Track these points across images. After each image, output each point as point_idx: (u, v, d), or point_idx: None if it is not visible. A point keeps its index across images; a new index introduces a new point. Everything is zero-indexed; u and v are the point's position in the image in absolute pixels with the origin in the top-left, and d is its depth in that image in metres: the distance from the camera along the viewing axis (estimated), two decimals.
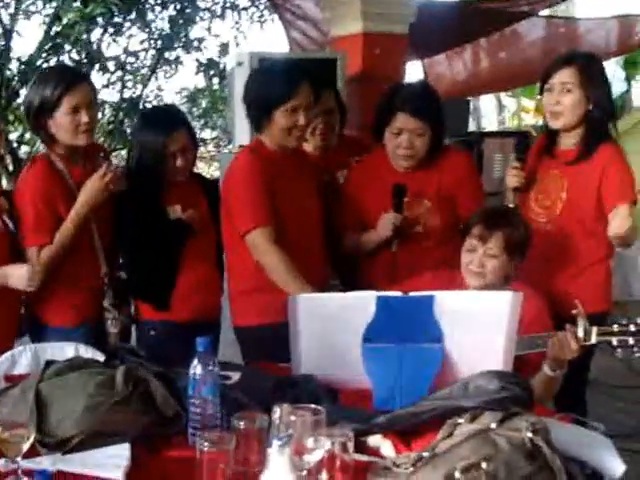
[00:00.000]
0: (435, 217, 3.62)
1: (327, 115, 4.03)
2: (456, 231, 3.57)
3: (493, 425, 1.84)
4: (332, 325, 2.72)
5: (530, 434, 1.78)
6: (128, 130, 11.19)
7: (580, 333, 2.75)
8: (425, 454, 1.77)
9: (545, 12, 10.82)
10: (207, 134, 13.36)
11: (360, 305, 2.70)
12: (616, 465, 2.03)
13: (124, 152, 12.28)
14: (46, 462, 2.14)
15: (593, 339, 2.74)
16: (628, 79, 17.68)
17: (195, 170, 3.89)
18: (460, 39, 9.49)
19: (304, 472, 1.91)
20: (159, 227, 3.51)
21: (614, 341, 2.72)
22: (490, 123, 20.83)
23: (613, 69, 17.26)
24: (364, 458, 2.12)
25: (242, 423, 2.13)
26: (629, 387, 6.04)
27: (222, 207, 3.51)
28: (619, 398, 5.72)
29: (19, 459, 2.05)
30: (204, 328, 2.73)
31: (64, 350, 3.01)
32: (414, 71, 10.16)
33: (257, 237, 3.34)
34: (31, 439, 2.07)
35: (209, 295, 3.62)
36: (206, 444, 1.99)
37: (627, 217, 3.27)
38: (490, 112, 21.47)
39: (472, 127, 17.68)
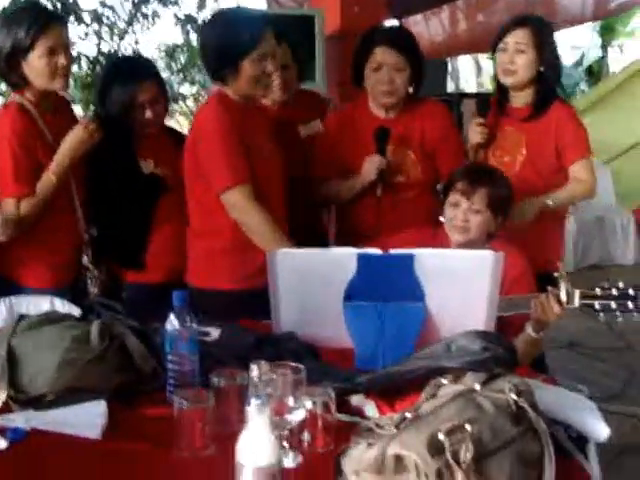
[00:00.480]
0: (417, 169, 3.63)
1: (284, 70, 3.90)
2: (434, 186, 3.68)
3: (477, 386, 1.80)
4: (312, 282, 2.68)
5: (514, 396, 1.75)
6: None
7: (563, 296, 2.72)
8: (408, 415, 1.73)
9: None
10: (186, 89, 13.25)
11: (341, 262, 2.65)
12: (600, 428, 2.00)
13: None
14: (19, 419, 2.10)
15: (576, 302, 2.72)
16: (604, 45, 17.73)
17: (175, 126, 3.82)
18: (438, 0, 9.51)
19: (285, 432, 1.88)
20: (132, 182, 3.44)
21: (596, 305, 2.70)
22: (468, 85, 20.80)
23: (590, 35, 17.32)
24: (347, 418, 2.08)
25: (221, 380, 2.10)
26: (611, 349, 6.08)
27: (190, 164, 3.33)
28: (601, 360, 5.76)
29: None
30: (178, 289, 2.66)
31: (40, 304, 2.92)
32: None
33: (237, 195, 3.21)
34: (3, 396, 2.04)
35: (183, 255, 3.46)
36: (184, 401, 1.96)
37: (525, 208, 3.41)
38: (468, 74, 21.44)
39: (450, 88, 17.67)
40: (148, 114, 3.45)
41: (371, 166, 3.50)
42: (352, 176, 3.59)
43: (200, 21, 11.55)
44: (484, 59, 19.91)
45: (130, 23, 11.84)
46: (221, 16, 3.47)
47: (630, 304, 2.64)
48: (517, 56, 3.61)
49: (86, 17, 11.33)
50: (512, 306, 2.82)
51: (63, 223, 3.38)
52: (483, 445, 1.63)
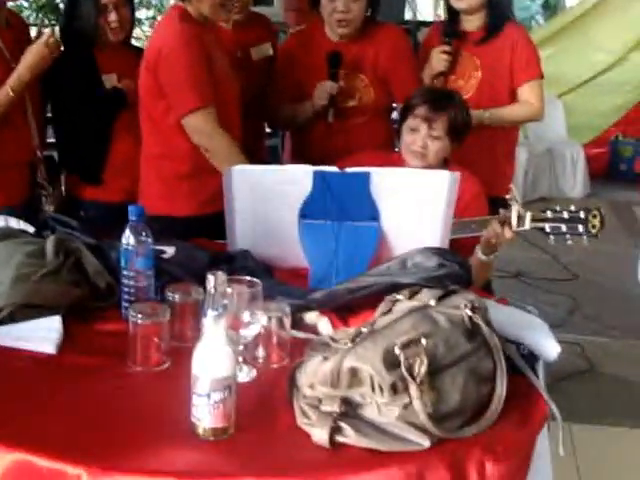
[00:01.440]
0: (370, 92, 3.61)
1: None
2: (389, 109, 3.72)
3: (432, 302, 1.82)
4: (268, 199, 2.67)
5: (469, 312, 1.77)
6: (60, 6, 10.86)
7: (514, 219, 2.74)
8: (364, 329, 1.75)
9: None
10: (142, 14, 12.98)
11: (297, 180, 2.64)
12: (552, 347, 2.04)
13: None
14: None
15: (527, 225, 2.74)
16: None
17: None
18: None
19: (240, 347, 1.89)
20: (93, 94, 3.38)
21: (547, 227, 2.73)
22: (426, 14, 20.67)
23: None
24: (301, 335, 2.10)
25: (177, 296, 2.10)
26: (556, 280, 6.16)
27: (147, 82, 3.22)
28: (545, 290, 5.86)
29: None
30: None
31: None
32: None
33: (200, 119, 3.14)
34: None
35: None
36: (140, 316, 1.95)
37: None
38: (426, 3, 21.28)
39: (409, 16, 17.54)
40: (112, 17, 3.37)
41: (322, 91, 3.48)
42: (306, 100, 3.57)
43: None
44: None
45: None
46: None
47: (580, 227, 2.69)
48: None
49: None
50: (464, 228, 2.84)
51: (15, 138, 3.31)
52: (437, 359, 1.65)
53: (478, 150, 3.48)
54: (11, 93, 3.18)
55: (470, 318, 1.76)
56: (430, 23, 10.18)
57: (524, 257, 6.03)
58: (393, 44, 3.64)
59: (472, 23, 3.69)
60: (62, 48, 3.29)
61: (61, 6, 10.88)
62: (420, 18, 19.56)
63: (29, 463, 1.55)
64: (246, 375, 1.90)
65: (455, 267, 2.20)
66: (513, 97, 3.67)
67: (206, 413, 1.61)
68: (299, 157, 3.67)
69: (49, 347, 2.04)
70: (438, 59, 3.63)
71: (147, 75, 3.20)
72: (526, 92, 3.65)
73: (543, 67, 3.73)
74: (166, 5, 6.15)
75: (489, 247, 2.83)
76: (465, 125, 3.17)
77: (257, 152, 3.82)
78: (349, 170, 2.65)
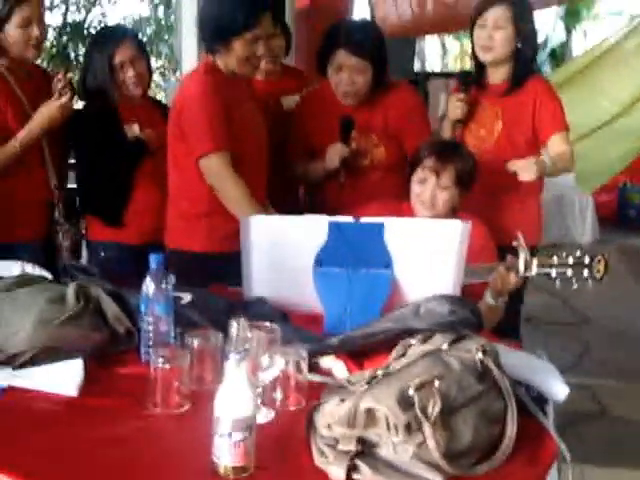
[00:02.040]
0: (382, 151, 3.67)
1: (271, 40, 3.96)
2: (402, 164, 3.62)
3: (444, 346, 1.88)
4: (284, 248, 2.74)
5: (480, 355, 1.83)
6: (71, 54, 11.10)
7: (521, 265, 2.80)
8: (379, 372, 1.81)
9: None
10: (153, 63, 13.27)
11: (312, 229, 2.72)
12: (560, 389, 2.09)
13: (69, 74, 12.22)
14: None
15: (533, 271, 2.80)
16: (568, 29, 17.90)
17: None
18: None
19: (259, 390, 1.95)
20: (116, 144, 3.52)
21: (553, 273, 2.78)
22: (434, 65, 20.92)
23: (554, 20, 17.51)
24: (317, 378, 2.15)
25: (196, 341, 2.16)
26: (565, 323, 6.21)
27: (173, 127, 3.41)
28: (556, 334, 5.90)
29: None
30: (154, 251, 2.72)
31: (10, 269, 2.95)
32: (362, 8, 10.18)
33: (214, 162, 3.28)
34: None
35: (161, 217, 3.58)
36: (160, 360, 2.01)
37: (531, 165, 3.35)
38: (434, 54, 21.56)
39: (417, 68, 17.77)
40: (130, 73, 3.55)
41: (334, 154, 3.55)
42: (318, 159, 3.64)
43: None
44: (450, 40, 20.08)
45: None
46: None
47: (585, 272, 2.74)
48: (495, 32, 3.61)
49: None
50: (473, 275, 2.89)
51: (32, 178, 3.48)
52: (450, 400, 1.70)
53: (508, 201, 3.61)
54: (17, 148, 3.36)
55: (481, 361, 1.82)
56: (439, 74, 10.34)
57: (534, 302, 6.05)
58: (403, 103, 3.70)
59: (497, 75, 3.71)
60: (80, 101, 3.43)
61: (72, 54, 11.13)
62: (429, 69, 19.89)
63: None
64: (264, 417, 1.95)
65: (466, 313, 2.27)
66: (532, 149, 3.66)
67: (227, 452, 1.66)
68: (314, 210, 3.72)
69: (71, 390, 2.09)
70: (454, 107, 3.67)
71: (172, 120, 3.40)
72: (557, 144, 3.62)
73: None
74: (177, 54, 6.29)
75: (497, 292, 2.89)
76: (472, 174, 3.25)
77: (289, 200, 3.94)
78: (363, 220, 2.73)
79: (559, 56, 17.27)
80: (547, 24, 18.10)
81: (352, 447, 1.68)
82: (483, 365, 1.82)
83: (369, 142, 3.66)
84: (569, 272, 2.76)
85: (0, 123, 3.37)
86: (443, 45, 20.59)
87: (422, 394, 1.67)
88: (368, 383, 1.76)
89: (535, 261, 2.80)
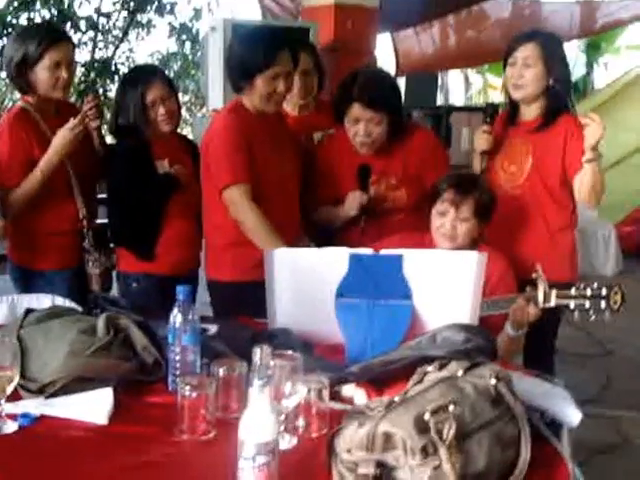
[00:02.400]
0: (402, 192, 3.72)
1: (304, 76, 4.10)
2: (423, 202, 3.63)
3: (460, 373, 1.95)
4: (307, 280, 2.83)
5: (494, 381, 1.90)
6: (100, 90, 11.28)
7: (540, 296, 2.87)
8: (397, 399, 1.87)
9: None
10: (180, 98, 13.44)
11: (334, 261, 2.81)
12: (574, 414, 2.16)
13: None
14: (29, 405, 2.22)
15: (552, 302, 2.87)
16: (590, 63, 17.94)
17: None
18: (429, 15, 9.67)
19: (282, 416, 2.02)
20: (147, 179, 3.64)
21: (571, 304, 2.85)
22: (457, 98, 21.03)
23: (575, 53, 17.57)
24: (339, 406, 2.21)
25: (221, 370, 2.23)
26: (589, 355, 6.24)
27: (202, 164, 3.59)
28: (580, 366, 5.91)
29: (2, 401, 2.13)
30: (185, 282, 2.82)
31: (41, 301, 3.07)
32: (384, 43, 10.30)
33: (234, 193, 3.42)
34: (15, 380, 2.13)
35: (190, 250, 3.78)
36: (187, 388, 2.09)
37: (600, 125, 3.36)
38: (457, 88, 21.70)
39: (440, 102, 17.90)
40: (161, 111, 3.68)
41: (353, 202, 3.62)
42: (338, 206, 3.70)
43: (194, 31, 11.75)
44: (473, 74, 20.18)
45: (126, 31, 12.02)
46: (245, 32, 3.76)
47: (602, 303, 2.80)
48: (525, 70, 3.64)
49: (82, 24, 11.50)
50: (494, 306, 2.96)
51: (63, 209, 3.66)
52: (464, 425, 1.77)
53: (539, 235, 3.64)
54: (39, 176, 3.52)
55: (495, 387, 1.89)
56: (461, 108, 10.43)
57: (559, 333, 6.12)
58: (421, 147, 3.76)
59: (530, 112, 3.73)
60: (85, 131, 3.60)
61: (100, 90, 11.30)
62: (452, 103, 20.00)
63: None
64: (287, 443, 2.03)
65: (481, 341, 2.34)
66: (564, 187, 3.66)
67: (251, 475, 1.73)
68: None
69: (101, 418, 2.18)
70: (479, 138, 3.74)
71: (202, 155, 3.59)
72: None
73: None
74: (204, 90, 6.39)
75: (517, 323, 2.96)
76: (490, 205, 3.31)
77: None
78: (383, 252, 2.82)
79: (581, 89, 17.30)
80: (569, 58, 18.19)
81: (371, 470, 1.75)
82: (497, 391, 1.89)
83: (388, 186, 3.71)
84: (587, 304, 2.83)
85: (27, 158, 3.54)
86: (466, 79, 20.72)
87: (437, 418, 1.73)
88: (386, 408, 1.83)
89: (554, 293, 2.87)
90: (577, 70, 17.99)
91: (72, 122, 3.53)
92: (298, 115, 4.19)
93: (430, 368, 2.02)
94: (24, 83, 3.58)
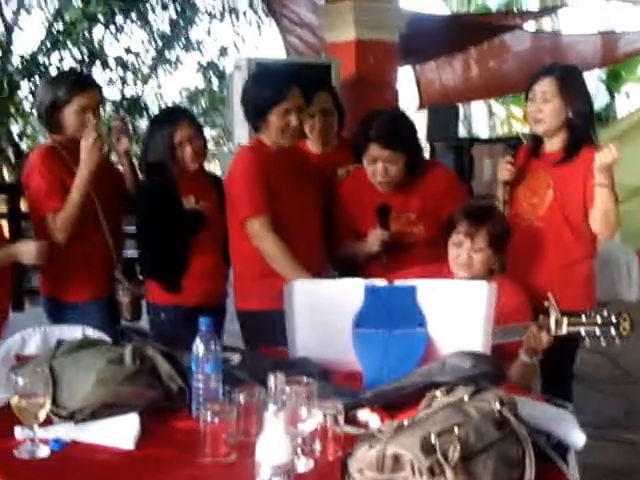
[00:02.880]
0: (421, 228, 3.82)
1: (324, 115, 4.24)
2: (441, 235, 3.71)
3: (466, 397, 2.06)
4: (325, 310, 2.95)
5: (498, 405, 2.00)
6: (129, 127, 11.46)
7: (552, 324, 2.96)
8: (405, 422, 1.98)
9: (532, 26, 11.21)
10: (207, 133, 13.61)
11: (350, 292, 2.93)
12: (578, 437, 2.25)
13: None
14: (60, 431, 2.34)
15: (564, 330, 2.96)
16: (611, 92, 17.97)
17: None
18: (450, 49, 9.78)
19: (298, 440, 2.13)
20: (174, 215, 3.79)
21: (582, 331, 2.94)
22: (481, 129, 21.12)
23: (596, 82, 17.62)
24: (353, 430, 2.32)
25: (242, 396, 2.34)
26: (612, 382, 6.31)
27: (226, 199, 3.77)
28: (602, 392, 5.96)
29: (35, 427, 2.25)
30: (212, 312, 2.92)
31: (72, 332, 3.18)
32: (406, 76, 10.42)
33: (256, 224, 3.60)
34: (47, 406, 2.26)
35: (217, 282, 3.90)
36: (209, 414, 2.20)
37: (611, 151, 3.44)
38: (481, 119, 21.78)
39: (463, 133, 18.01)
40: (188, 151, 3.83)
41: (374, 239, 3.73)
42: (361, 242, 3.82)
43: (222, 68, 11.94)
44: (496, 105, 20.27)
45: (154, 68, 12.23)
46: (256, 73, 4.03)
47: (612, 330, 2.89)
48: (543, 105, 3.72)
49: (111, 63, 11.71)
50: (508, 334, 3.05)
51: (92, 242, 3.81)
52: (469, 446, 1.87)
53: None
54: (76, 192, 3.66)
55: (499, 410, 1.99)
56: (483, 140, 10.53)
57: (582, 361, 6.18)
58: (439, 184, 3.87)
59: (552, 145, 3.81)
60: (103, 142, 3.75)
61: (130, 127, 11.51)
62: (476, 134, 20.09)
63: None
64: (304, 465, 2.13)
65: (487, 367, 2.46)
66: (585, 219, 3.71)
67: None
68: None
69: (128, 442, 2.29)
70: (502, 169, 3.82)
71: (226, 191, 3.78)
72: None
73: None
74: (230, 126, 6.54)
75: (530, 350, 3.05)
76: (504, 235, 3.41)
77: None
78: (397, 283, 2.93)
79: (604, 118, 17.35)
80: (591, 87, 18.24)
81: None
82: (500, 414, 1.99)
83: (408, 221, 3.82)
84: (597, 331, 2.92)
85: (59, 182, 3.71)
86: (490, 110, 20.82)
87: (443, 440, 1.84)
88: (395, 431, 1.94)
89: (565, 320, 2.96)
90: (599, 99, 18.08)
91: (85, 132, 3.69)
92: (321, 153, 4.32)
93: (438, 393, 2.13)
94: (53, 124, 3.77)
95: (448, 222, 3.47)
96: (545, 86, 3.74)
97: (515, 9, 18.68)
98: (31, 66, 11.02)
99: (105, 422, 2.39)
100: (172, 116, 3.98)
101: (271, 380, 1.95)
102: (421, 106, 10.92)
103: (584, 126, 3.77)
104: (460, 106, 11.95)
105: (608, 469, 4.40)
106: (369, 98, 5.79)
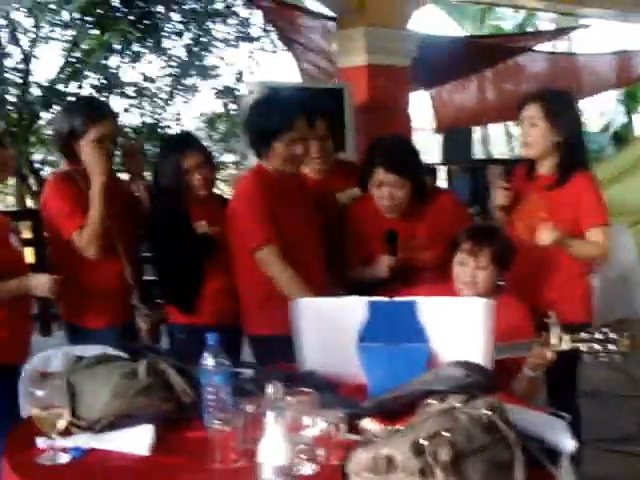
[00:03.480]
0: (428, 252, 3.96)
1: (321, 141, 4.36)
2: (448, 259, 3.86)
3: (457, 405, 2.18)
4: (330, 326, 3.06)
5: (487, 412, 2.12)
6: (148, 153, 11.66)
7: (554, 340, 3.07)
8: (401, 428, 2.12)
9: (547, 48, 11.28)
10: (227, 157, 13.78)
11: (354, 309, 3.05)
12: (567, 441, 2.38)
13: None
14: (79, 440, 2.50)
15: (564, 346, 3.07)
16: (628, 112, 18.05)
17: (217, 191, 4.28)
18: (463, 72, 9.89)
19: (304, 446, 2.26)
20: (186, 240, 3.92)
21: (583, 347, 3.05)
22: (499, 151, 21.24)
23: (614, 103, 17.72)
24: (353, 437, 2.44)
25: (249, 407, 2.47)
26: (628, 396, 6.44)
27: (230, 226, 3.86)
28: (615, 406, 6.08)
29: (55, 435, 2.41)
30: (226, 331, 3.01)
31: (93, 352, 3.29)
32: (420, 100, 10.52)
33: (266, 254, 3.71)
34: (66, 416, 2.44)
35: (232, 301, 3.98)
36: (218, 423, 2.35)
37: (550, 231, 3.65)
38: (500, 140, 21.92)
39: (482, 154, 18.12)
40: (196, 177, 3.96)
41: (382, 266, 3.89)
42: (369, 265, 3.97)
43: (238, 93, 12.10)
44: (513, 126, 20.37)
45: (171, 95, 12.42)
46: (261, 100, 4.01)
47: (611, 346, 3.00)
48: (530, 129, 3.90)
49: (129, 90, 11.89)
50: (510, 350, 3.17)
51: (109, 269, 3.90)
52: (459, 449, 2.00)
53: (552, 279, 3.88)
54: (94, 201, 3.76)
55: (488, 416, 2.12)
56: (499, 161, 10.63)
57: (597, 376, 6.26)
58: (445, 211, 4.04)
59: (544, 168, 3.98)
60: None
61: (148, 153, 11.70)
62: (493, 152, 20.17)
63: None
64: (310, 469, 2.26)
65: (479, 377, 2.58)
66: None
67: None
68: None
69: (143, 449, 2.45)
70: (499, 194, 4.00)
71: (229, 219, 3.87)
72: (594, 236, 3.87)
73: (616, 198, 3.99)
74: (245, 150, 6.67)
75: (534, 366, 3.18)
76: (508, 253, 3.54)
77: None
78: (398, 299, 3.06)
79: (622, 138, 17.42)
80: (610, 107, 18.38)
81: None
82: (490, 420, 2.11)
83: (415, 247, 3.97)
84: (597, 346, 3.03)
85: (78, 202, 3.79)
86: (507, 130, 20.95)
87: (432, 443, 1.97)
88: (388, 435, 2.07)
89: (567, 337, 3.07)
90: (617, 119, 18.18)
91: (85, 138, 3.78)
92: (318, 178, 4.41)
93: (433, 401, 2.26)
94: (70, 153, 3.87)
95: (452, 242, 3.60)
96: (531, 111, 3.91)
97: (529, 29, 18.90)
98: (50, 94, 11.24)
99: (122, 431, 2.54)
100: (180, 143, 4.09)
101: (269, 388, 2.09)
102: (438, 130, 11.05)
103: (575, 150, 3.93)
104: (478, 128, 12.07)
105: None
106: (381, 122, 5.90)
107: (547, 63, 10.71)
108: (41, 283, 3.56)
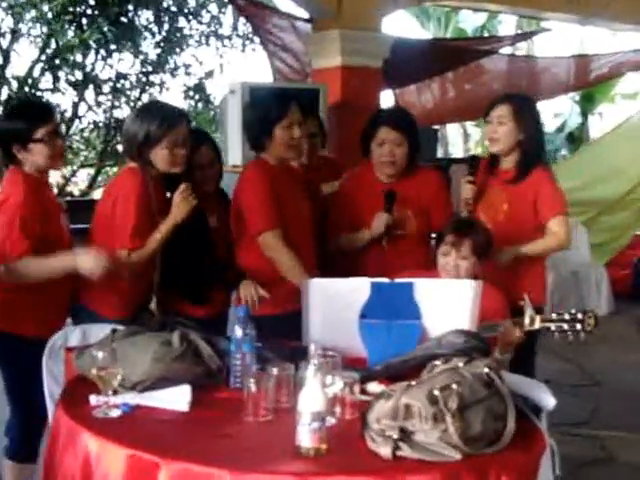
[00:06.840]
0: (413, 223, 4.35)
1: (311, 138, 4.78)
2: (428, 236, 4.41)
3: (460, 365, 2.59)
4: (336, 304, 3.45)
5: (487, 369, 2.54)
6: (118, 148, 11.91)
7: (526, 320, 3.42)
8: (413, 383, 2.51)
9: (508, 50, 11.57)
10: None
11: (358, 289, 3.44)
12: (549, 399, 2.82)
13: (115, 169, 13.11)
14: (127, 397, 2.86)
15: (536, 325, 3.42)
16: (584, 113, 18.51)
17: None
18: (429, 72, 10.13)
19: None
20: (204, 234, 4.17)
21: (552, 327, 3.39)
22: (457, 150, 21.67)
23: (570, 104, 18.17)
24: (365, 398, 2.82)
25: (275, 370, 2.86)
26: (580, 385, 6.92)
27: (234, 211, 4.15)
28: (571, 395, 6.45)
29: (110, 393, 2.79)
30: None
31: (105, 330, 3.40)
32: (386, 100, 10.80)
33: (269, 238, 3.99)
34: (120, 376, 2.80)
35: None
36: (252, 381, 2.72)
37: (504, 253, 4.10)
38: (457, 140, 22.35)
39: (440, 154, 18.47)
40: (206, 173, 4.19)
41: (380, 222, 4.24)
42: (362, 230, 4.33)
43: (208, 92, 12.38)
44: (471, 127, 20.82)
45: (142, 92, 12.65)
46: (258, 95, 4.51)
47: (578, 326, 3.35)
48: (499, 127, 4.27)
49: (105, 87, 12.12)
50: (487, 329, 3.49)
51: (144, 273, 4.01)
52: (464, 399, 2.41)
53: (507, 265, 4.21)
54: (159, 239, 3.81)
55: (487, 373, 2.53)
56: (461, 159, 10.96)
57: (552, 367, 6.67)
58: (433, 183, 4.45)
59: (506, 163, 4.36)
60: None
61: (119, 148, 11.94)
62: (451, 151, 20.55)
63: (188, 469, 2.34)
64: (329, 422, 2.60)
65: (476, 342, 3.04)
66: (537, 230, 4.28)
67: (307, 437, 2.39)
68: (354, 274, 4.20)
69: (183, 406, 2.83)
70: (464, 187, 4.37)
71: (233, 206, 4.17)
72: (554, 226, 4.23)
73: (570, 196, 4.38)
74: (223, 148, 6.86)
75: (504, 344, 3.49)
76: (487, 245, 3.89)
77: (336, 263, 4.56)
78: (397, 281, 3.46)
79: (576, 139, 17.90)
80: (565, 108, 18.83)
81: (395, 434, 2.38)
82: (488, 376, 2.53)
83: (406, 215, 4.33)
84: (565, 326, 3.37)
85: (148, 219, 3.81)
86: (465, 131, 21.41)
87: (444, 394, 2.38)
88: (406, 388, 2.47)
89: (538, 318, 3.43)
90: (573, 120, 18.63)
91: (180, 190, 3.82)
92: (306, 173, 4.71)
93: (437, 362, 2.66)
94: (143, 161, 3.83)
95: (437, 235, 3.98)
96: (501, 111, 4.31)
97: (490, 32, 19.28)
98: (25, 87, 11.46)
99: (162, 391, 2.91)
100: (193, 139, 4.10)
101: (311, 348, 2.50)
102: None
103: (535, 148, 4.35)
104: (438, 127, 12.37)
105: (576, 461, 4.95)
106: (354, 122, 6.21)
107: (507, 65, 10.92)
108: (92, 261, 3.57)
